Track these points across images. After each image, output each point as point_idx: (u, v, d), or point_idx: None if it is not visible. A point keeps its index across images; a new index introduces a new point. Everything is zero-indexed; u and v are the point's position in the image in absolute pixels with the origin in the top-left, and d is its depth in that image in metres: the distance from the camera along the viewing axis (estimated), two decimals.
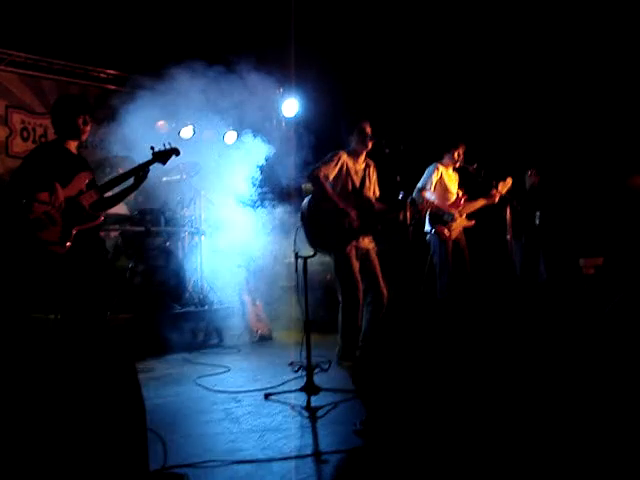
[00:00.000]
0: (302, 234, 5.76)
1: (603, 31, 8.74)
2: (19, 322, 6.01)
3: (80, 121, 5.02)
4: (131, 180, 5.24)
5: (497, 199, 7.39)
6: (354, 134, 6.05)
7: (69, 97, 5.40)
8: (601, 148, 9.02)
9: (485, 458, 3.49)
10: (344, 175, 5.96)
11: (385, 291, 5.93)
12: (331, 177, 5.87)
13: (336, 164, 5.91)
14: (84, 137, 5.15)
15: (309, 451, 3.67)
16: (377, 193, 6.22)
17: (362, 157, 6.13)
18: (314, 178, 5.83)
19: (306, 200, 5.95)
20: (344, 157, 5.98)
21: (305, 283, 5.04)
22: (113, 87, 9.34)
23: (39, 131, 8.94)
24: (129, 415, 2.76)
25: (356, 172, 6.05)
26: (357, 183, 6.03)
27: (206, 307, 7.64)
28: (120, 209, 7.60)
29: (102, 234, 7.18)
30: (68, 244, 4.72)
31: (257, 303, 7.99)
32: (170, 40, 8.03)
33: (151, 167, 5.38)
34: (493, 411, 4.21)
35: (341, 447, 3.74)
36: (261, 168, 8.25)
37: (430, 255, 7.37)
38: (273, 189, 8.60)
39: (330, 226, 5.76)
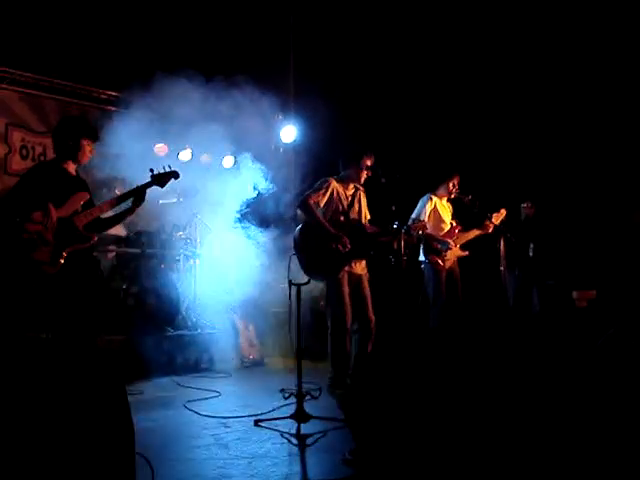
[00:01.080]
0: (296, 261, 5.79)
1: (598, 63, 8.82)
2: (11, 340, 6.00)
3: (83, 144, 5.06)
4: (129, 202, 5.26)
5: (491, 230, 7.42)
6: (354, 164, 6.10)
7: (74, 119, 5.44)
8: (596, 181, 9.07)
9: None
10: (335, 201, 6.02)
11: (373, 318, 5.95)
12: (322, 204, 5.92)
13: (326, 191, 5.96)
14: (85, 160, 5.18)
15: (297, 479, 3.67)
16: (368, 216, 6.27)
17: (352, 184, 6.19)
18: (304, 205, 5.88)
19: (298, 227, 5.98)
20: (334, 184, 6.04)
21: (298, 310, 5.05)
22: (113, 108, 9.38)
23: (38, 150, 8.96)
24: (118, 438, 2.76)
25: (346, 197, 6.11)
26: (347, 208, 6.07)
27: (198, 331, 7.64)
28: (117, 230, 7.62)
29: (97, 255, 7.21)
30: (59, 264, 4.73)
31: (249, 328, 7.99)
32: (170, 64, 8.08)
33: (149, 189, 5.42)
34: (484, 441, 4.21)
35: (330, 476, 3.74)
36: (248, 202, 8.27)
37: (423, 284, 7.39)
38: (262, 218, 8.59)
39: (322, 252, 5.78)
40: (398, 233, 5.88)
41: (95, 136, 5.22)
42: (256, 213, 8.48)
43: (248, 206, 8.34)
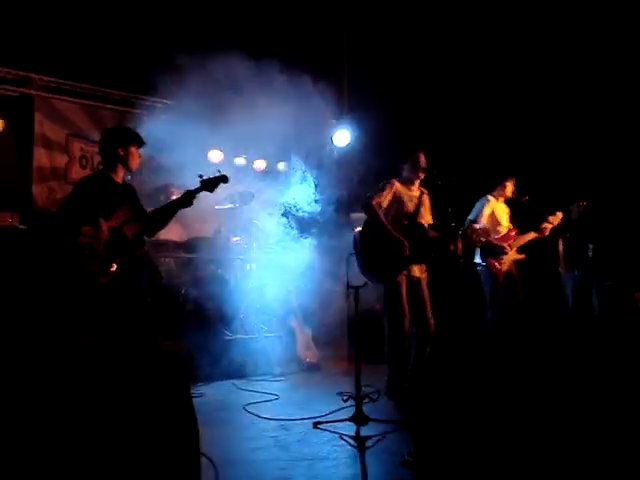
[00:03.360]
0: (354, 263, 5.77)
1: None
2: (70, 348, 6.13)
3: (132, 150, 5.16)
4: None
5: (548, 232, 7.32)
6: (408, 163, 6.09)
7: (117, 129, 5.51)
8: None
9: None
10: (397, 203, 5.98)
11: (432, 322, 5.89)
12: (384, 205, 5.90)
13: (389, 192, 5.94)
14: (136, 165, 5.26)
15: None
16: (430, 221, 6.22)
17: (416, 185, 6.16)
18: (367, 207, 5.86)
19: (359, 229, 5.98)
20: (397, 185, 6.01)
21: (356, 313, 5.07)
22: (167, 116, 9.51)
23: (97, 159, 9.13)
24: (183, 438, 2.81)
25: (410, 199, 6.07)
26: (411, 210, 6.03)
27: (256, 334, 7.69)
28: (176, 235, 7.75)
29: (158, 260, 7.34)
30: (111, 274, 4.81)
31: (306, 331, 8.02)
32: (222, 70, 8.17)
33: (202, 195, 5.48)
34: (544, 443, 4.16)
35: (390, 478, 3.74)
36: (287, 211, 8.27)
37: (481, 286, 7.33)
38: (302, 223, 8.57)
39: (382, 254, 5.76)
40: (455, 235, 5.83)
41: (141, 141, 5.29)
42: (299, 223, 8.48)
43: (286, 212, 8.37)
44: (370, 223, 5.90)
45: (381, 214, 5.84)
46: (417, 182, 6.15)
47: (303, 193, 8.32)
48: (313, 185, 8.30)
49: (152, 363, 2.98)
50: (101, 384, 2.80)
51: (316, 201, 8.25)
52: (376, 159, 8.83)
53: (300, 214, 8.26)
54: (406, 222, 5.94)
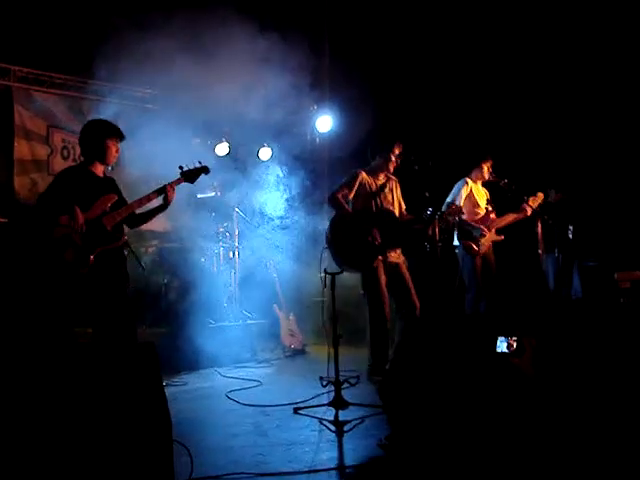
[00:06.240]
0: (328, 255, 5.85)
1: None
2: (49, 336, 6.18)
3: (108, 144, 5.13)
4: (160, 199, 5.31)
5: (529, 213, 7.35)
6: (385, 153, 6.13)
7: (96, 122, 5.43)
8: (635, 161, 8.92)
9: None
10: (365, 193, 6.05)
11: (417, 303, 5.97)
12: (351, 196, 5.97)
13: (354, 183, 6.00)
14: (112, 160, 5.25)
15: (333, 464, 3.73)
16: (403, 206, 6.28)
17: (382, 174, 6.22)
18: (333, 200, 5.92)
19: (328, 223, 6.02)
20: (363, 175, 6.08)
21: (333, 298, 5.11)
22: (150, 106, 9.50)
23: (79, 150, 9.10)
24: (154, 427, 2.85)
25: (377, 187, 6.14)
26: (377, 199, 6.10)
27: (240, 322, 7.74)
28: (158, 225, 7.75)
29: (138, 250, 7.36)
30: (89, 264, 4.83)
31: (290, 317, 8.08)
32: (203, 57, 8.15)
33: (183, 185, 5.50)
34: (522, 429, 4.21)
35: (366, 461, 3.80)
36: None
37: (459, 270, 7.37)
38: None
39: (354, 245, 5.81)
40: (432, 219, 5.88)
41: (120, 135, 5.25)
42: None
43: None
44: (338, 216, 5.94)
45: (347, 206, 5.91)
46: (385, 170, 6.21)
47: (278, 196, 8.36)
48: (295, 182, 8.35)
49: (124, 353, 3.02)
50: (72, 373, 2.84)
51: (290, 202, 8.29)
52: (357, 144, 8.86)
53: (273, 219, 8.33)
54: (374, 210, 6.00)
